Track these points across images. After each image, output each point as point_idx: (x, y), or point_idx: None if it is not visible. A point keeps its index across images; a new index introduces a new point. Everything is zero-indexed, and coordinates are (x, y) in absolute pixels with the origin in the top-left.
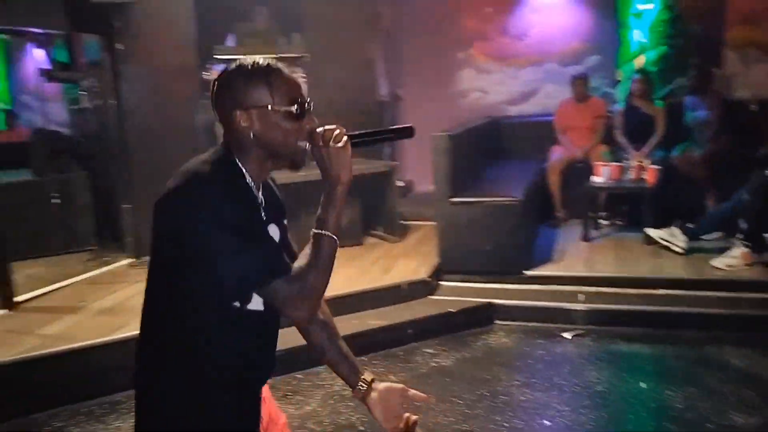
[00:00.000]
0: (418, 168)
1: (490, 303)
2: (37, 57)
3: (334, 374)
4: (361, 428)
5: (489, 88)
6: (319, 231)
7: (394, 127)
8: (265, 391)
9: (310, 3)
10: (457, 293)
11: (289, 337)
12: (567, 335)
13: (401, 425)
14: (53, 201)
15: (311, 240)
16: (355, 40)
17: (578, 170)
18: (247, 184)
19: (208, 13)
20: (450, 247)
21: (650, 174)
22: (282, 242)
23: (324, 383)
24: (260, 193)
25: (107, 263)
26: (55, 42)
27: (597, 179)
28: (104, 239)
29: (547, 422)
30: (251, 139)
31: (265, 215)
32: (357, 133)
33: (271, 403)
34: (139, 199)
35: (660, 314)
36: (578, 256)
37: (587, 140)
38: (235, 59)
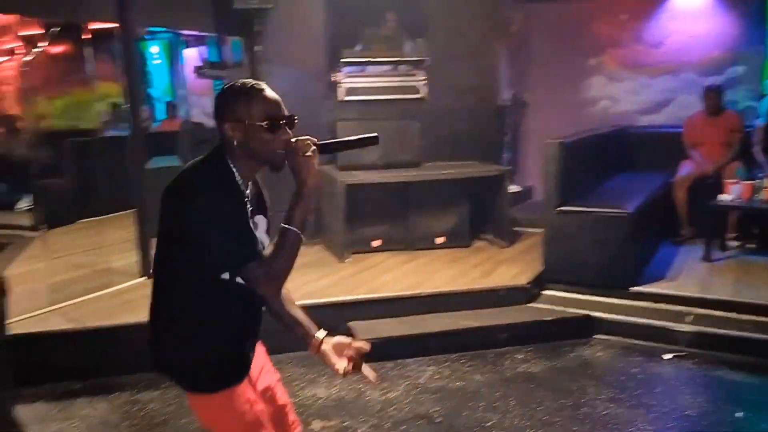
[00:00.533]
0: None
1: (588, 315)
2: (192, 56)
3: (421, 368)
4: (438, 420)
5: (619, 96)
6: (286, 226)
7: (360, 136)
8: (260, 348)
9: (435, 8)
10: (558, 303)
11: (382, 327)
12: (667, 356)
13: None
14: None
15: (278, 232)
16: (478, 44)
17: (708, 187)
18: (236, 181)
19: (340, 19)
20: (555, 256)
21: None
22: (266, 230)
23: (410, 375)
24: (249, 189)
25: None
26: (206, 43)
27: (725, 197)
28: None
29: None
30: (236, 146)
31: (251, 207)
32: (324, 142)
33: (266, 358)
34: (271, 189)
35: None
36: (694, 277)
37: (719, 156)
38: (362, 61)
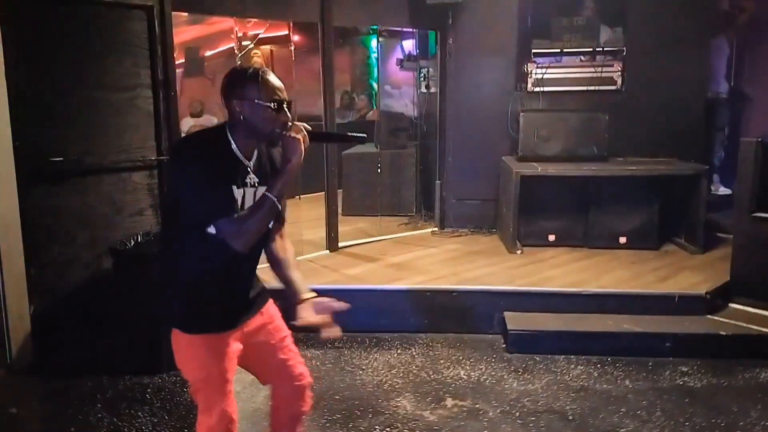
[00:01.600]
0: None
1: None
2: (395, 49)
3: (570, 366)
4: (571, 417)
5: None
6: (265, 192)
7: (349, 133)
8: (271, 306)
9: None
10: (743, 318)
11: (537, 320)
12: None
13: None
14: (378, 171)
15: (259, 197)
16: (685, 33)
17: None
18: (231, 149)
19: (534, 8)
20: (745, 266)
21: None
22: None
23: (557, 371)
24: (253, 160)
25: (416, 228)
26: (406, 37)
27: None
28: (421, 208)
29: None
30: (241, 121)
31: (256, 177)
32: (316, 132)
33: (276, 313)
34: (449, 176)
35: None
36: None
37: None
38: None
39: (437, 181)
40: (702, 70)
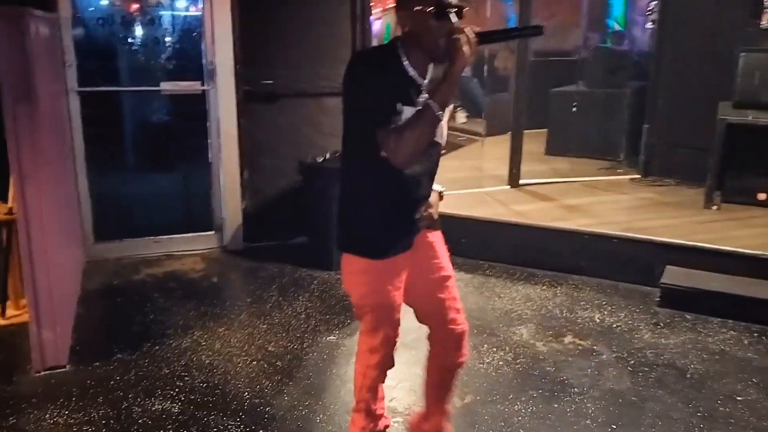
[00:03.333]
0: None
1: None
2: None
3: (719, 329)
4: (689, 375)
5: None
6: (427, 100)
7: (522, 27)
8: (439, 238)
9: None
10: None
11: (698, 278)
12: None
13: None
14: (573, 110)
15: (420, 107)
16: None
17: None
18: (401, 63)
19: None
20: None
21: None
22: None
23: (701, 331)
24: (427, 78)
25: (615, 173)
26: None
27: None
28: (629, 153)
29: None
30: (407, 34)
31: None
32: (485, 31)
33: (444, 251)
34: (659, 121)
35: None
36: None
37: None
38: None
39: (645, 125)
40: None
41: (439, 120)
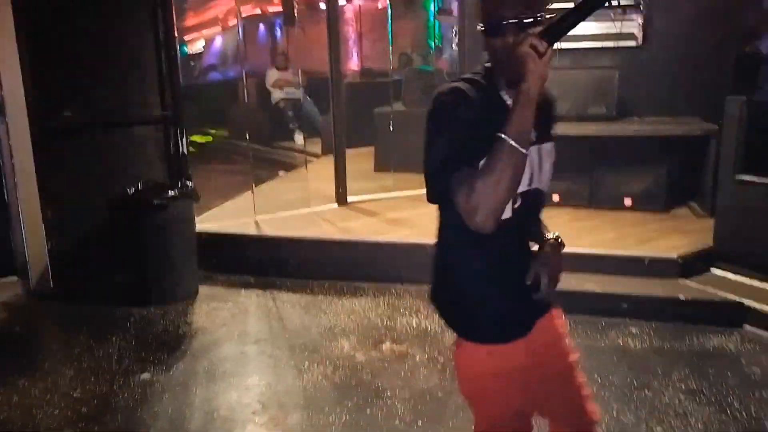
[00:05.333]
0: None
1: (741, 303)
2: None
3: None
4: None
5: None
6: (499, 134)
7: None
8: (558, 317)
9: None
10: (718, 285)
11: None
12: None
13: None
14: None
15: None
16: None
17: None
18: (499, 94)
19: None
20: (728, 232)
21: None
22: (555, 162)
23: None
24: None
25: None
26: None
27: None
28: None
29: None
30: (489, 56)
31: (535, 131)
32: (550, 26)
33: (565, 327)
34: None
35: None
36: None
37: None
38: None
39: None
40: (730, 23)
41: (523, 156)
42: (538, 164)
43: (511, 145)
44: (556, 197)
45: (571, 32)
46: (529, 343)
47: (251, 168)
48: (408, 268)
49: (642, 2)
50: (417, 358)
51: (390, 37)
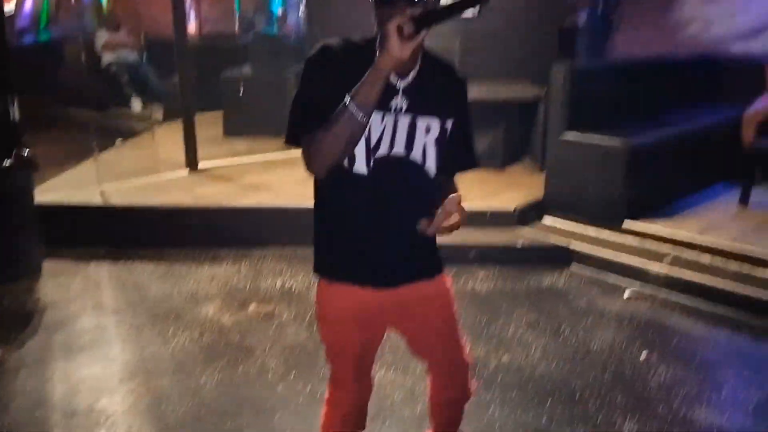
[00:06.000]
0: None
1: (567, 247)
2: None
3: None
4: None
5: (714, 19)
6: (346, 99)
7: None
8: (443, 285)
9: None
10: (550, 232)
11: None
12: (626, 294)
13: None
14: (240, 94)
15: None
16: None
17: None
18: (371, 55)
19: None
20: (556, 185)
21: None
22: (438, 138)
23: None
24: (408, 79)
25: (291, 150)
26: None
27: None
28: None
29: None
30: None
31: (408, 100)
32: (425, 12)
33: (450, 298)
34: None
35: (744, 298)
36: (710, 219)
37: None
38: None
39: None
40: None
41: (358, 122)
42: (392, 132)
43: (350, 110)
44: None
45: None
46: (398, 296)
47: (87, 136)
48: (268, 232)
49: None
50: (284, 317)
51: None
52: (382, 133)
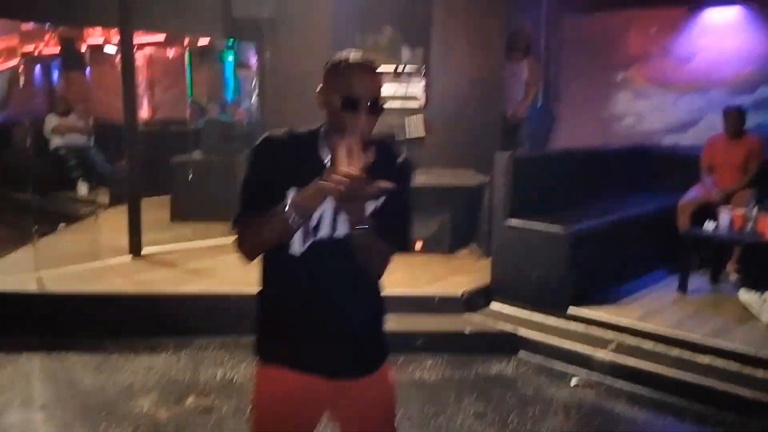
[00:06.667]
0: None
1: (514, 333)
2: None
3: None
4: None
5: (645, 113)
6: (287, 199)
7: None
8: (386, 384)
9: (436, 19)
10: (497, 318)
11: None
12: (573, 381)
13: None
14: (189, 177)
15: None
16: (479, 55)
17: (713, 215)
18: (317, 150)
19: (343, 27)
20: (502, 270)
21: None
22: (380, 211)
23: None
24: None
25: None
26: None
27: (708, 226)
28: None
29: None
30: (327, 118)
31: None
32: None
33: (390, 402)
34: None
35: (686, 385)
36: (649, 305)
37: (733, 181)
38: None
39: None
40: (497, 91)
41: (295, 226)
42: (332, 215)
43: (288, 213)
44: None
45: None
46: (337, 386)
47: (28, 220)
48: (210, 320)
49: (424, 69)
50: (224, 410)
51: (189, 86)
52: (321, 217)
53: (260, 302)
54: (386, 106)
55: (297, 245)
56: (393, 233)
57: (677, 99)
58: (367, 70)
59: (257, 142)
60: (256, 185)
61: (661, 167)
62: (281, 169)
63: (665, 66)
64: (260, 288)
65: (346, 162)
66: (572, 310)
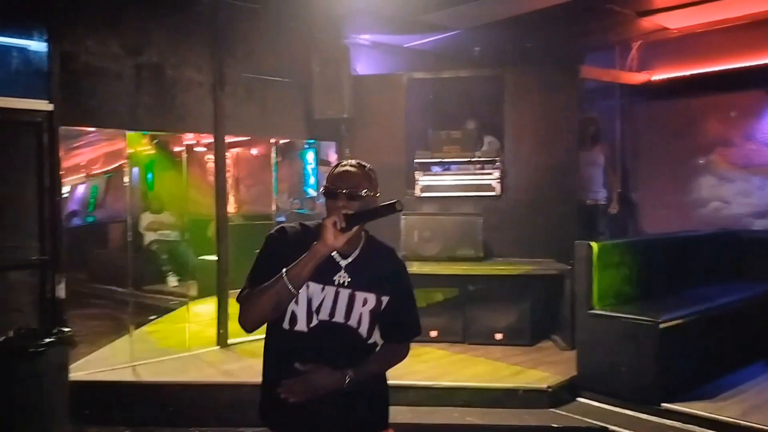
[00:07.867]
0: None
1: (606, 428)
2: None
3: None
4: None
5: (730, 198)
6: (282, 270)
7: (382, 204)
8: None
9: (510, 108)
10: (584, 412)
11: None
12: None
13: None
14: None
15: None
16: (552, 144)
17: None
18: (315, 238)
19: (416, 123)
20: (588, 362)
21: None
22: (373, 310)
23: None
24: (350, 259)
25: None
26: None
27: None
28: None
29: None
30: None
31: (350, 277)
32: (356, 213)
33: None
34: None
35: None
36: (746, 400)
37: None
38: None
39: None
40: (572, 179)
41: (289, 291)
42: (333, 302)
43: (283, 281)
44: (434, 333)
45: (439, 183)
46: None
47: (125, 312)
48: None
49: (499, 158)
50: None
51: (275, 182)
52: (322, 301)
53: (265, 372)
54: (456, 194)
55: (302, 323)
56: (402, 325)
57: (764, 183)
58: (347, 169)
59: (273, 231)
60: (263, 265)
61: (751, 253)
62: (288, 252)
63: (748, 149)
64: (264, 360)
65: (332, 233)
66: (666, 405)
